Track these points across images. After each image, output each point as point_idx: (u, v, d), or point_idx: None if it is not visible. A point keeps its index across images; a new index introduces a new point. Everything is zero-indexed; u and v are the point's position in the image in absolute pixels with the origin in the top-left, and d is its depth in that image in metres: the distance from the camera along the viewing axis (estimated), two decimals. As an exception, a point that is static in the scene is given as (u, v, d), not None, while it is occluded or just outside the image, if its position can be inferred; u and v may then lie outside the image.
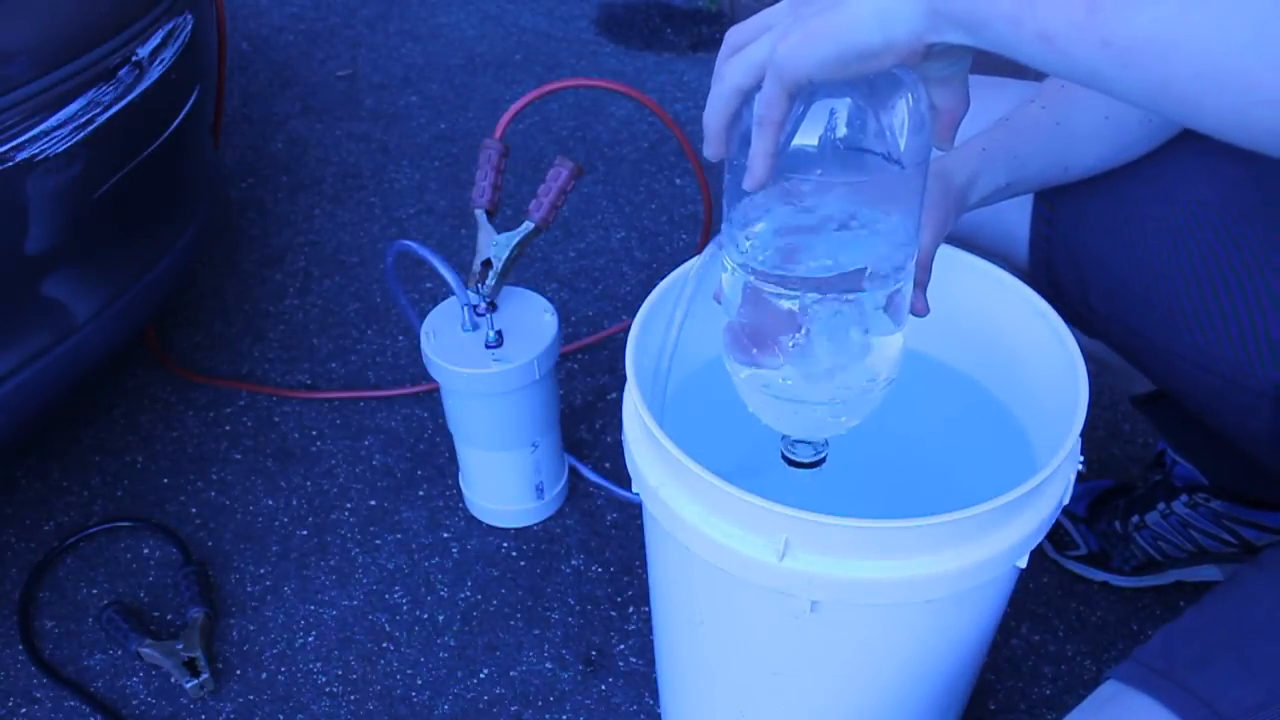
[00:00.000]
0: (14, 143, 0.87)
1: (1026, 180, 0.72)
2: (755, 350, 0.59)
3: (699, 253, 0.71)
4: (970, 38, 0.45)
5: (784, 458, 0.66)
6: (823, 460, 0.66)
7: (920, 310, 0.66)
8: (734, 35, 0.53)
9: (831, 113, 0.52)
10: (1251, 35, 0.38)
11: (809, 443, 0.66)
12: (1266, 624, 0.56)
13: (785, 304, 0.57)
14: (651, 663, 1.01)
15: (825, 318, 0.57)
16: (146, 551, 1.13)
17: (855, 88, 0.51)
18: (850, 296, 0.57)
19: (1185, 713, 0.52)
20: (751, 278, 0.57)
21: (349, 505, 1.17)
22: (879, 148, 0.53)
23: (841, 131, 0.52)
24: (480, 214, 1.01)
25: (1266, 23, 0.38)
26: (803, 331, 0.57)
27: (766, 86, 0.50)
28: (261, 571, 1.11)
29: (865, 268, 0.56)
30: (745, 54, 0.51)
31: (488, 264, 1.00)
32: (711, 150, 0.55)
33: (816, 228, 0.56)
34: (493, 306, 1.01)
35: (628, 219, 1.59)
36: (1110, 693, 0.57)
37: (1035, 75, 0.75)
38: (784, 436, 0.66)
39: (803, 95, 0.50)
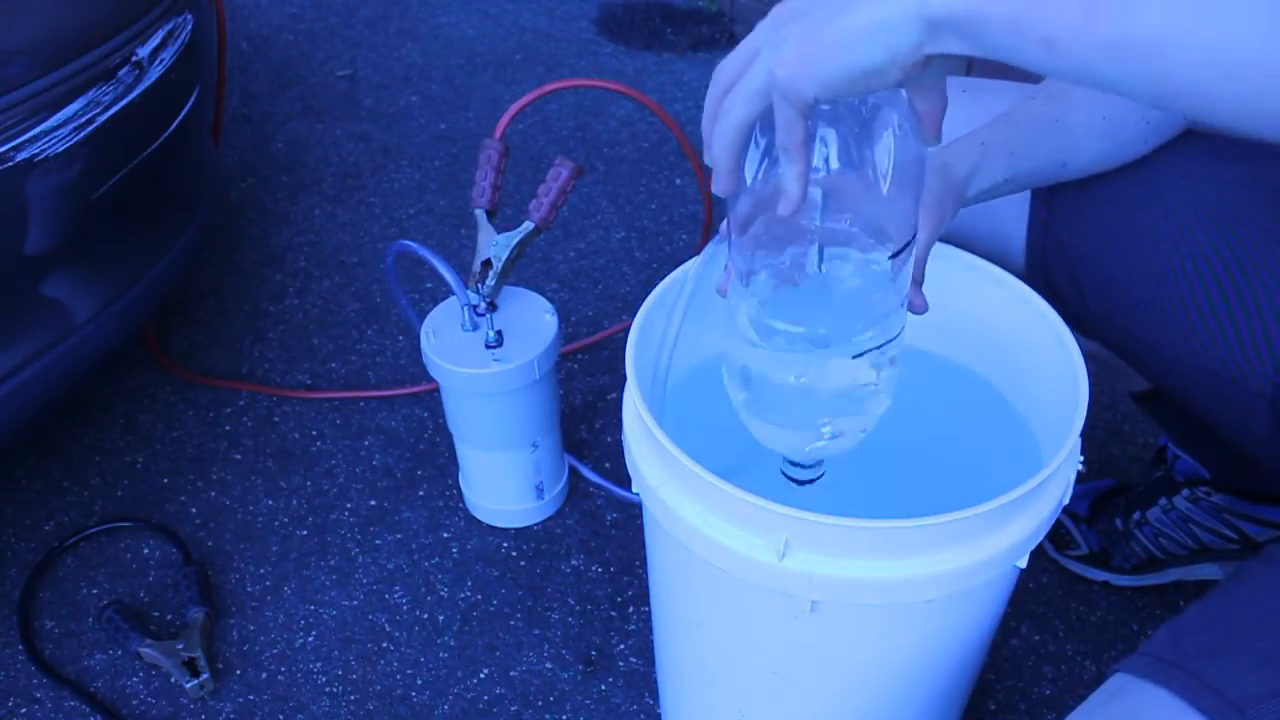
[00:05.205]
0: (14, 143, 0.87)
1: (1024, 175, 0.72)
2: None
3: (699, 253, 0.71)
4: (970, 46, 0.45)
5: (784, 474, 0.67)
6: (820, 476, 0.67)
7: (919, 308, 0.66)
8: (722, 72, 0.53)
9: (823, 143, 0.52)
10: (1263, 21, 0.38)
11: (805, 464, 0.67)
12: (1275, 615, 0.55)
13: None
14: (651, 663, 1.01)
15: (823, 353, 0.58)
16: (146, 551, 1.13)
17: (841, 115, 0.51)
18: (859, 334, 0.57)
19: (1198, 701, 0.51)
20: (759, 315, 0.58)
21: (349, 505, 1.17)
22: (871, 170, 0.53)
23: (834, 163, 0.52)
24: (480, 214, 1.01)
25: (1278, 8, 0.37)
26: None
27: (779, 113, 0.49)
28: (261, 571, 1.11)
29: (863, 307, 0.57)
30: (744, 85, 0.51)
31: (488, 264, 1.00)
32: (724, 185, 0.54)
33: (813, 272, 0.57)
34: (493, 306, 1.01)
35: (628, 219, 1.59)
36: (1119, 685, 0.56)
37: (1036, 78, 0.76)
38: (783, 456, 0.67)
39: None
